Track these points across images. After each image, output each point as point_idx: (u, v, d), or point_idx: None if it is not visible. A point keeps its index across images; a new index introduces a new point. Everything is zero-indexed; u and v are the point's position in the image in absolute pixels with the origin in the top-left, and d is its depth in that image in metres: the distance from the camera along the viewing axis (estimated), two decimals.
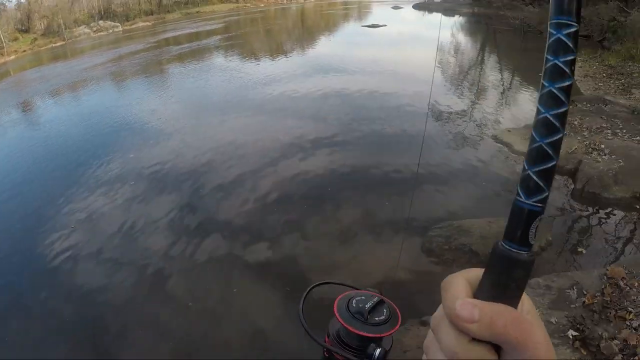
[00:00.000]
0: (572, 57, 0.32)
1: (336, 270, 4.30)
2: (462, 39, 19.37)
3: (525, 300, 0.36)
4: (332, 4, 41.67)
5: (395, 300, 0.64)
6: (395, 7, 33.19)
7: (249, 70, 14.13)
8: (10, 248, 5.43)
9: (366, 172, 6.31)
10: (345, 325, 0.59)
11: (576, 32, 0.32)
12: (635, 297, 3.32)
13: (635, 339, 2.89)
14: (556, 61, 0.32)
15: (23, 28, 32.85)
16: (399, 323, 0.60)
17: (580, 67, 10.69)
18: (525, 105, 9.18)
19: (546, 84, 0.32)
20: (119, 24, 35.11)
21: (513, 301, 0.34)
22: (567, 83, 0.32)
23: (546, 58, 0.32)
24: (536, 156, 0.33)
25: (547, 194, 0.33)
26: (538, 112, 0.33)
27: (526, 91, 10.36)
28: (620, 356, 2.82)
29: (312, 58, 16.42)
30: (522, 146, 6.51)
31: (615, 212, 5.06)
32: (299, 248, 4.75)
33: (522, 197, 0.33)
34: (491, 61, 15.02)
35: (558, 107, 0.32)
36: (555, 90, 0.32)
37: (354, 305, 0.60)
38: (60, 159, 8.09)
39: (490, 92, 10.61)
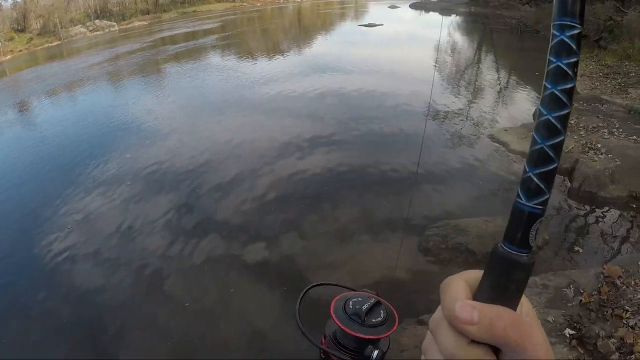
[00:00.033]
0: (575, 59, 0.32)
1: (333, 270, 4.29)
2: (459, 38, 19.38)
3: (525, 302, 0.35)
4: (329, 3, 41.60)
5: (392, 299, 0.63)
6: (392, 7, 33.18)
7: (245, 70, 14.09)
8: (7, 249, 5.40)
9: (363, 172, 6.30)
10: (342, 326, 0.58)
11: (579, 33, 0.32)
12: (631, 296, 3.33)
13: (632, 337, 2.90)
14: (559, 63, 0.32)
15: (19, 27, 32.71)
16: (396, 324, 0.60)
17: None
18: (522, 104, 9.19)
19: (549, 86, 0.32)
20: (115, 24, 35.02)
21: (512, 303, 0.34)
22: (569, 85, 0.32)
23: (549, 60, 0.32)
24: (537, 158, 0.32)
25: (547, 196, 0.33)
26: (540, 114, 0.33)
27: (523, 90, 10.37)
28: (617, 354, 2.83)
29: (309, 57, 16.38)
30: (519, 145, 6.53)
31: (612, 211, 5.08)
32: (296, 248, 4.74)
33: (523, 199, 0.33)
34: (488, 60, 15.03)
35: (560, 109, 0.32)
36: (557, 92, 0.32)
37: (351, 306, 0.60)
38: (56, 160, 8.05)
39: (487, 91, 10.62)
